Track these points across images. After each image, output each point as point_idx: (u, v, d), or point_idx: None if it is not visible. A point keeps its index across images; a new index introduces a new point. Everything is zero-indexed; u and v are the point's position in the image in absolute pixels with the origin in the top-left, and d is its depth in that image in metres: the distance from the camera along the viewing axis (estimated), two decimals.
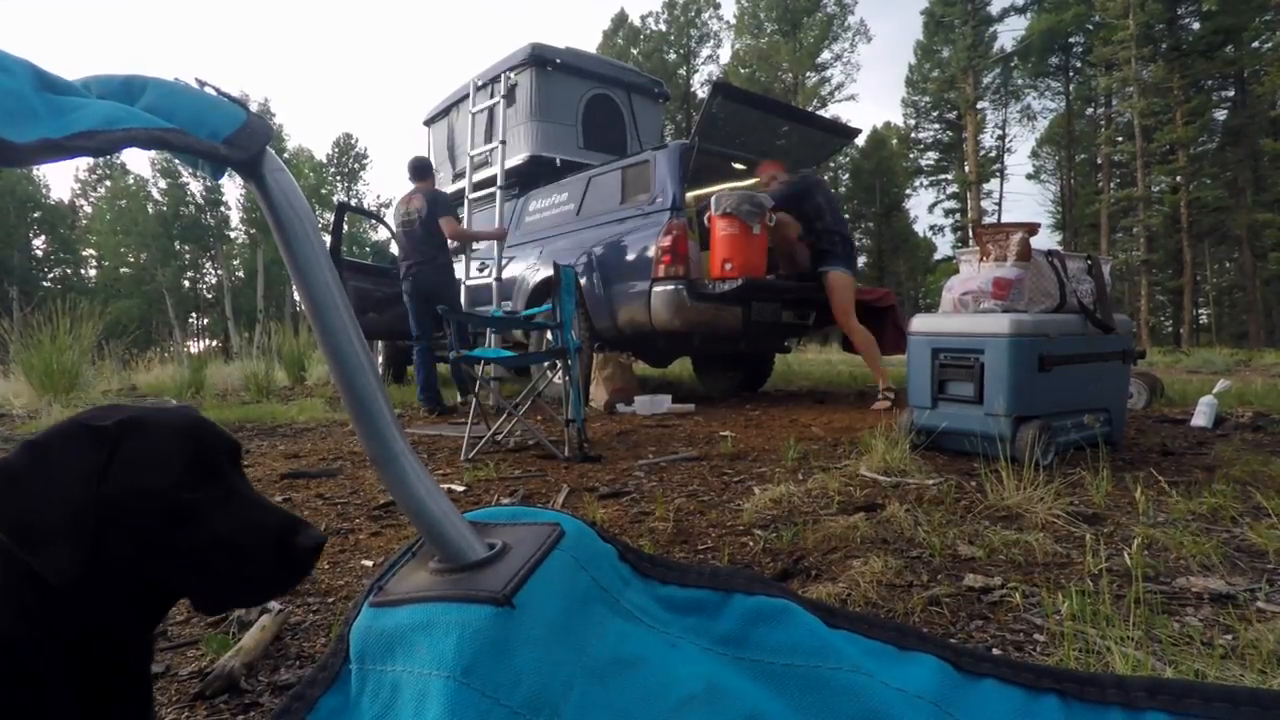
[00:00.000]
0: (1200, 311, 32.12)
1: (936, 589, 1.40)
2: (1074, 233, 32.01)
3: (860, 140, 30.47)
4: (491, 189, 6.42)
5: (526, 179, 6.43)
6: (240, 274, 41.88)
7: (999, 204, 33.82)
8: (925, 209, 36.17)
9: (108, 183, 40.20)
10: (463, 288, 6.07)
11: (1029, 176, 35.47)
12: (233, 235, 41.52)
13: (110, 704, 0.59)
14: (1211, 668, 1.04)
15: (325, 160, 44.42)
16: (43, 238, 40.07)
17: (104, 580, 0.56)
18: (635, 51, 36.56)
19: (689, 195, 5.06)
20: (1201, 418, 3.53)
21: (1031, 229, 2.76)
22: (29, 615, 0.54)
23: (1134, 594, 1.28)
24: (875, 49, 71.29)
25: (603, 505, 2.17)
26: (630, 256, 4.79)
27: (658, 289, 4.54)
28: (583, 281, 5.02)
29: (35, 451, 0.55)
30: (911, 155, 35.78)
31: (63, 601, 0.55)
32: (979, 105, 31.65)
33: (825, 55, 34.62)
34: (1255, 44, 24.11)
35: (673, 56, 37.89)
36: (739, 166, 5.70)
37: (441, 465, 2.91)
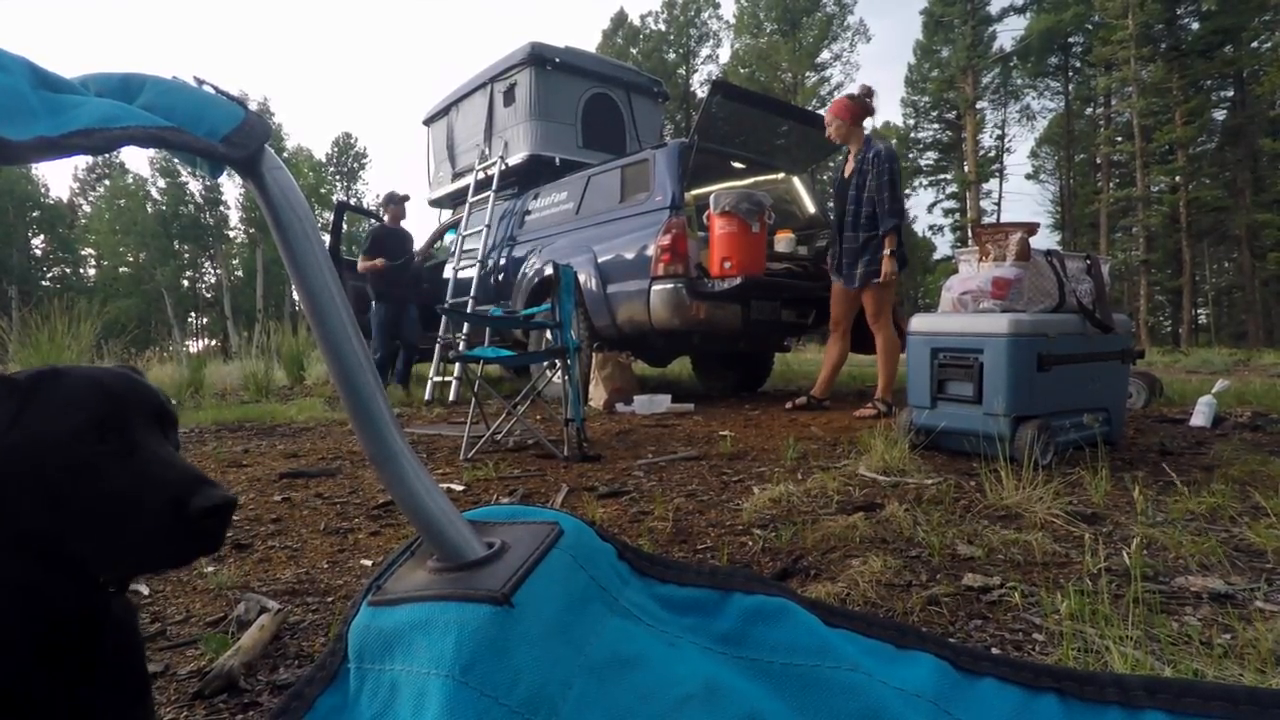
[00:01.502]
0: (1199, 311, 32.16)
1: (935, 588, 1.40)
2: (1073, 232, 32.03)
3: None
4: (486, 193, 6.43)
5: (526, 178, 6.43)
6: (239, 273, 41.87)
7: (998, 204, 33.84)
8: (924, 209, 36.13)
9: (106, 182, 40.19)
10: (451, 282, 6.22)
11: (1028, 176, 35.52)
12: (232, 234, 41.52)
13: (94, 697, 0.59)
14: (1210, 667, 1.04)
15: (325, 159, 44.41)
16: (41, 237, 40.08)
17: (13, 540, 0.54)
18: (635, 51, 36.56)
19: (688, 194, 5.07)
20: (1200, 417, 3.53)
21: (1030, 229, 2.76)
22: None
23: (1133, 593, 1.28)
24: (875, 49, 71.35)
25: (602, 505, 2.17)
26: (629, 255, 4.79)
27: (657, 288, 4.54)
28: (582, 280, 5.02)
29: None
30: (910, 155, 35.79)
31: None
32: (978, 105, 31.65)
33: (825, 55, 34.63)
34: (1254, 44, 24.13)
35: (672, 56, 37.89)
36: (738, 165, 5.70)
37: (440, 465, 2.91)
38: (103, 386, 0.59)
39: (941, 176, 35.62)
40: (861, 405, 4.08)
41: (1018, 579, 1.44)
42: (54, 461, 0.54)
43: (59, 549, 0.56)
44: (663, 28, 38.49)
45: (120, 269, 39.04)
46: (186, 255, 40.69)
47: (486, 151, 6.73)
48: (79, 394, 0.57)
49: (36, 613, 0.56)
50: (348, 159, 44.89)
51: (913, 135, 35.75)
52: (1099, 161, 30.65)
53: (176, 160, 0.54)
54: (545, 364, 3.56)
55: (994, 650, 1.17)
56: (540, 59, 6.23)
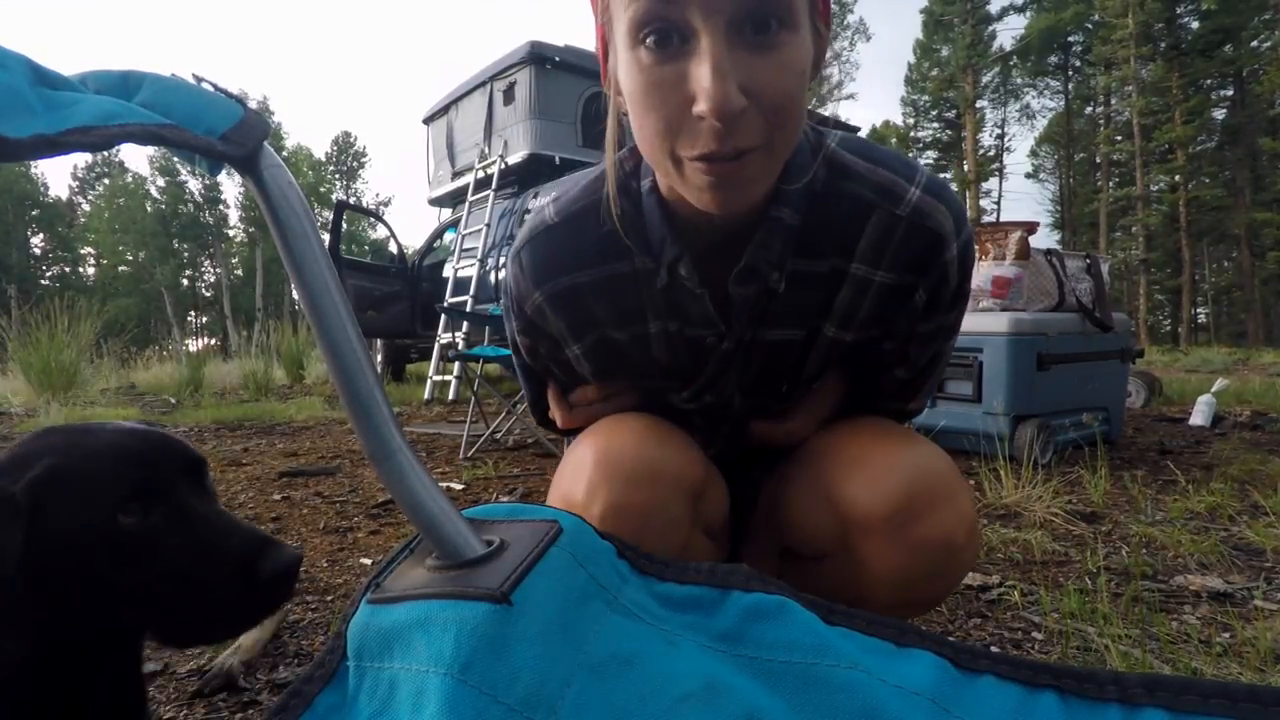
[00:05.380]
0: (1198, 310, 32.18)
1: None
2: (1073, 231, 32.05)
3: None
4: (486, 192, 6.42)
5: (526, 177, 6.43)
6: (239, 272, 41.88)
7: (998, 203, 33.88)
8: None
9: (106, 180, 40.17)
10: (451, 281, 6.12)
11: (1028, 175, 35.53)
12: (231, 233, 41.54)
13: (95, 698, 0.58)
14: (1209, 665, 1.04)
15: (324, 158, 44.40)
16: (41, 236, 40.09)
17: (60, 632, 0.51)
18: None
19: None
20: (1199, 416, 3.53)
21: (1030, 228, 2.76)
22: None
23: (1132, 592, 1.28)
24: (875, 48, 71.44)
25: None
26: None
27: None
28: None
29: None
30: (911, 154, 35.80)
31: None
32: (978, 104, 31.65)
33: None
34: (1254, 43, 24.14)
35: None
36: None
37: (440, 463, 2.91)
38: (127, 457, 0.54)
39: (942, 175, 35.57)
40: None
41: (1017, 578, 1.44)
42: (92, 549, 0.50)
43: (112, 627, 0.53)
44: None
45: (119, 268, 39.04)
46: (186, 254, 40.68)
47: (486, 150, 6.73)
48: (99, 474, 0.52)
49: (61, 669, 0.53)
50: (347, 158, 44.88)
51: (913, 134, 35.76)
52: (1099, 161, 30.67)
53: (176, 159, 0.54)
54: None
55: (993, 648, 1.17)
56: (540, 58, 6.23)
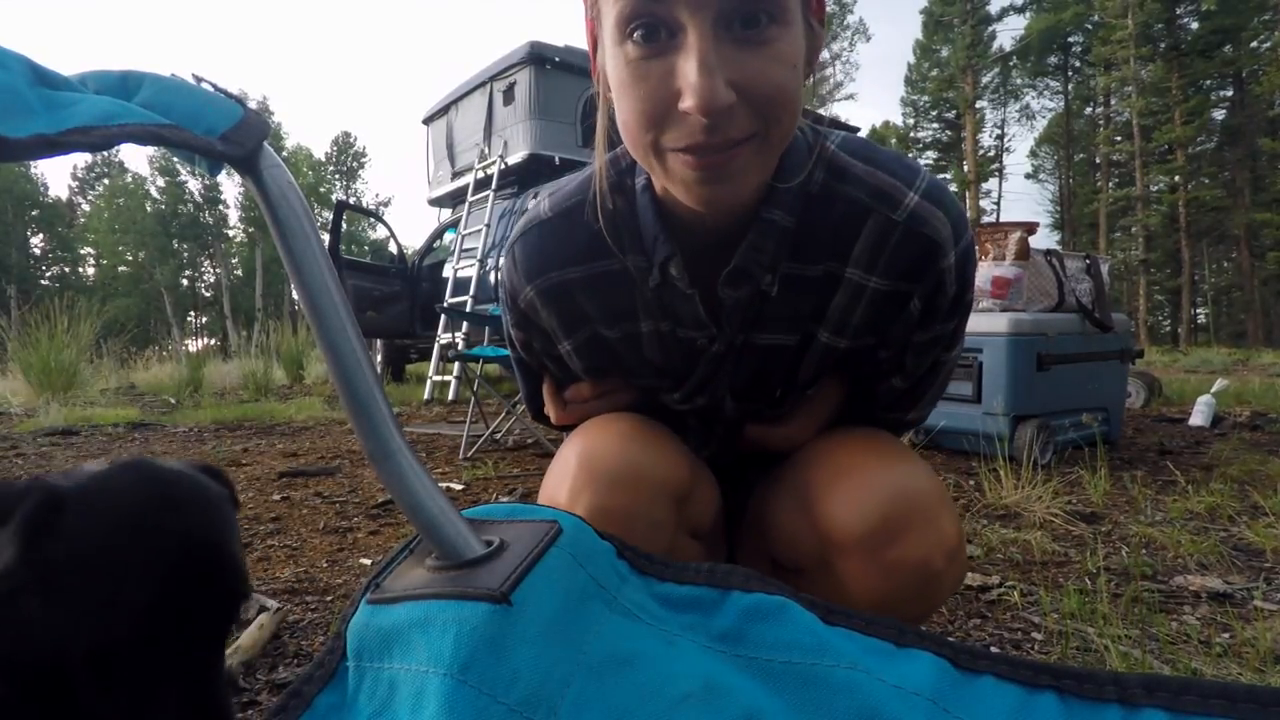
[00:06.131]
0: (1198, 311, 32.21)
1: None
2: (1072, 232, 32.07)
3: None
4: (485, 192, 6.42)
5: (526, 177, 6.43)
6: (239, 272, 41.90)
7: (998, 203, 33.91)
8: None
9: (105, 181, 40.18)
10: (450, 281, 6.10)
11: (1028, 176, 35.56)
12: (231, 234, 41.56)
13: None
14: (1208, 666, 1.04)
15: (324, 159, 44.41)
16: (41, 236, 40.12)
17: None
18: None
19: None
20: (1199, 417, 3.54)
21: (1030, 228, 2.76)
22: None
23: (1131, 592, 1.29)
24: (875, 48, 71.52)
25: None
26: None
27: None
28: None
29: None
30: (910, 155, 35.74)
31: None
32: (978, 105, 31.66)
33: (824, 54, 34.60)
34: (1254, 44, 24.17)
35: None
36: None
37: (440, 464, 2.91)
38: (167, 575, 0.44)
39: (941, 176, 35.55)
40: None
41: (1017, 578, 1.44)
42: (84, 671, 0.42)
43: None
44: None
45: (119, 268, 39.06)
46: (185, 254, 40.69)
47: (486, 150, 6.73)
48: (123, 578, 0.43)
49: None
50: (347, 158, 44.89)
51: (912, 135, 35.77)
52: (1098, 161, 30.69)
53: (176, 159, 0.54)
54: None
55: (993, 649, 1.17)
56: (540, 58, 6.23)
